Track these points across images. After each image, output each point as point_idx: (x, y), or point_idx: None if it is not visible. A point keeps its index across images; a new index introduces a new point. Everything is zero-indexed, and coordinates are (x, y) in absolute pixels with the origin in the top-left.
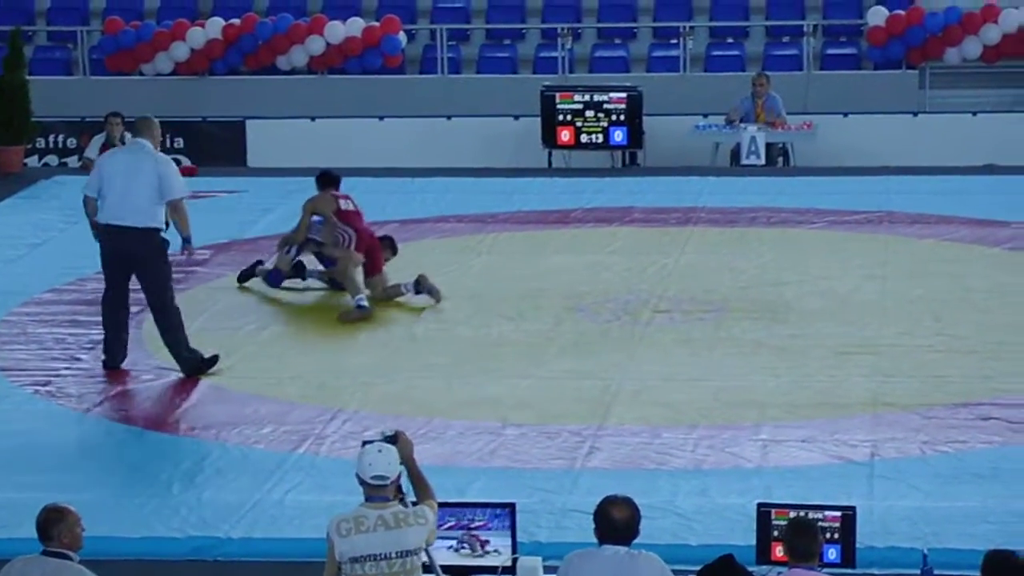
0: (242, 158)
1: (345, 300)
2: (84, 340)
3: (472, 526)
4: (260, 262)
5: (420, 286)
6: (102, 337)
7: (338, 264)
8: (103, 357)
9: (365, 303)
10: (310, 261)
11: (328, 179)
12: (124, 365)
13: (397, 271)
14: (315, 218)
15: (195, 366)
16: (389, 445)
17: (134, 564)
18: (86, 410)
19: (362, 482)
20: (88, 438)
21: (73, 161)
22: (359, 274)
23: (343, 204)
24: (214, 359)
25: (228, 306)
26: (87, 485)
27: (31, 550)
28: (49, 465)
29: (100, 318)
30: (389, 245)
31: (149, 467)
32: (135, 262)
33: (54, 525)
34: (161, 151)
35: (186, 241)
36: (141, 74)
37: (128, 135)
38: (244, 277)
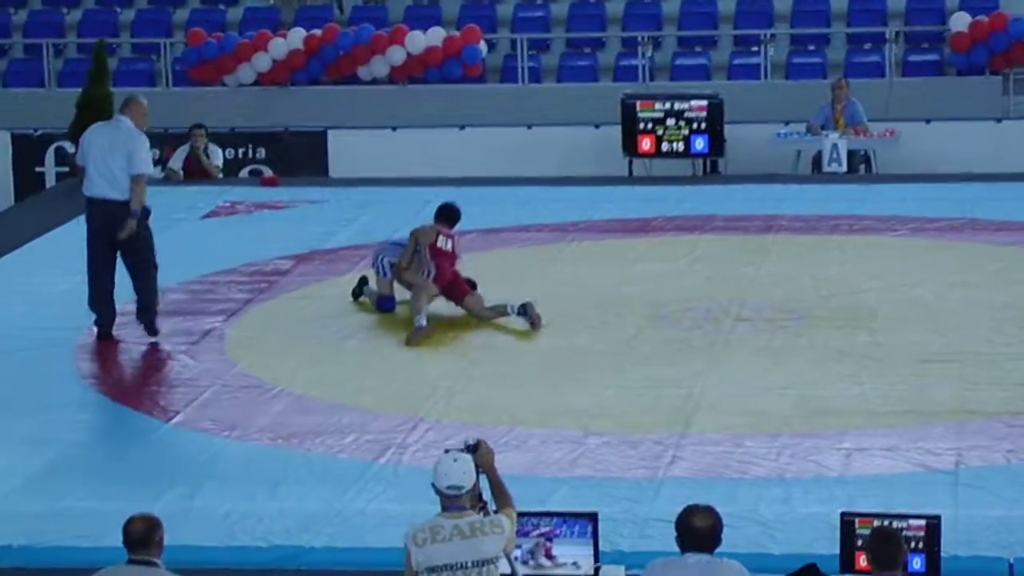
0: (324, 168)
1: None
2: (168, 349)
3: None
4: (365, 280)
5: (525, 310)
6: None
7: (413, 290)
8: (96, 328)
9: (423, 322)
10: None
11: (443, 212)
12: (205, 372)
13: (488, 285)
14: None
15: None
16: (465, 454)
17: (218, 573)
18: (169, 419)
19: (438, 491)
20: (171, 447)
21: (156, 172)
22: (428, 301)
23: (440, 241)
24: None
25: (311, 316)
26: (170, 494)
27: (114, 560)
28: (132, 475)
29: (177, 325)
30: (471, 285)
31: (232, 476)
32: (115, 231)
33: (145, 534)
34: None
35: (134, 214)
36: (224, 85)
37: (209, 144)
38: (356, 294)
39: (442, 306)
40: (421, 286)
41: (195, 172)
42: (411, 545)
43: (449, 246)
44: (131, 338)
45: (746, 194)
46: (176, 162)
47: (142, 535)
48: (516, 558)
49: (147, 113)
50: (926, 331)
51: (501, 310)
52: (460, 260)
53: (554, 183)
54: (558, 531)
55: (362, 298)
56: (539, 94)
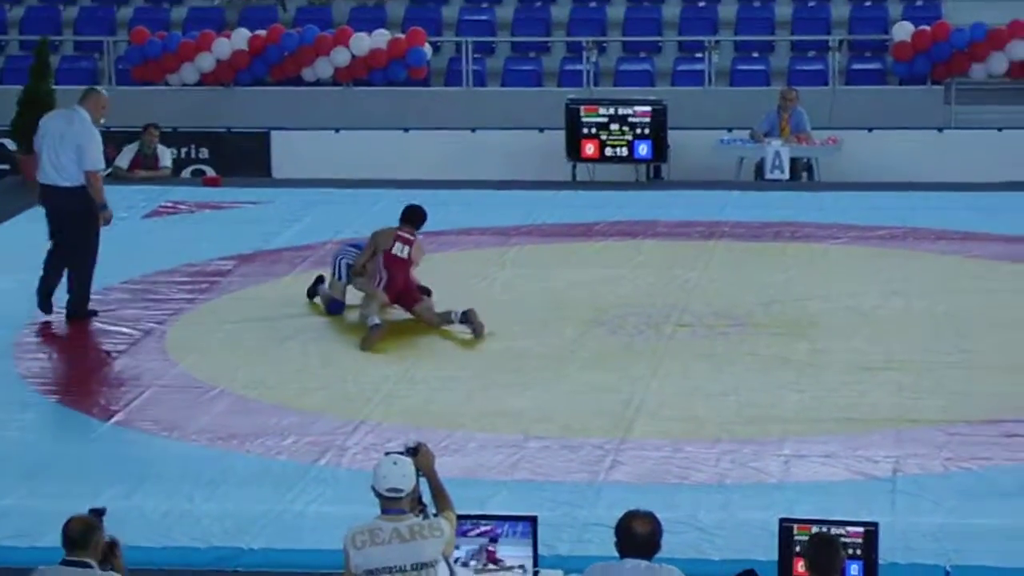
0: (267, 169)
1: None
2: (108, 349)
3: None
4: (321, 279)
5: (467, 318)
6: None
7: (363, 298)
8: (38, 303)
9: (376, 320)
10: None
11: (406, 213)
12: (145, 372)
13: (432, 288)
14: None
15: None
16: (404, 457)
17: (156, 573)
18: (108, 419)
19: (377, 494)
20: (110, 447)
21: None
22: (377, 310)
23: (396, 248)
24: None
25: (252, 317)
26: (109, 494)
27: (51, 559)
28: (70, 474)
29: (110, 323)
30: (426, 292)
31: (171, 476)
32: (62, 217)
33: (83, 535)
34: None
35: (101, 207)
36: (167, 84)
37: (158, 145)
38: (311, 294)
39: (388, 310)
40: (372, 295)
41: (142, 171)
42: (350, 547)
43: (405, 253)
44: (71, 337)
45: (689, 200)
46: (123, 160)
47: (79, 535)
48: (457, 560)
49: (106, 105)
50: (866, 339)
51: (446, 317)
52: (415, 266)
53: (498, 187)
54: (499, 532)
55: (316, 299)
56: (484, 98)
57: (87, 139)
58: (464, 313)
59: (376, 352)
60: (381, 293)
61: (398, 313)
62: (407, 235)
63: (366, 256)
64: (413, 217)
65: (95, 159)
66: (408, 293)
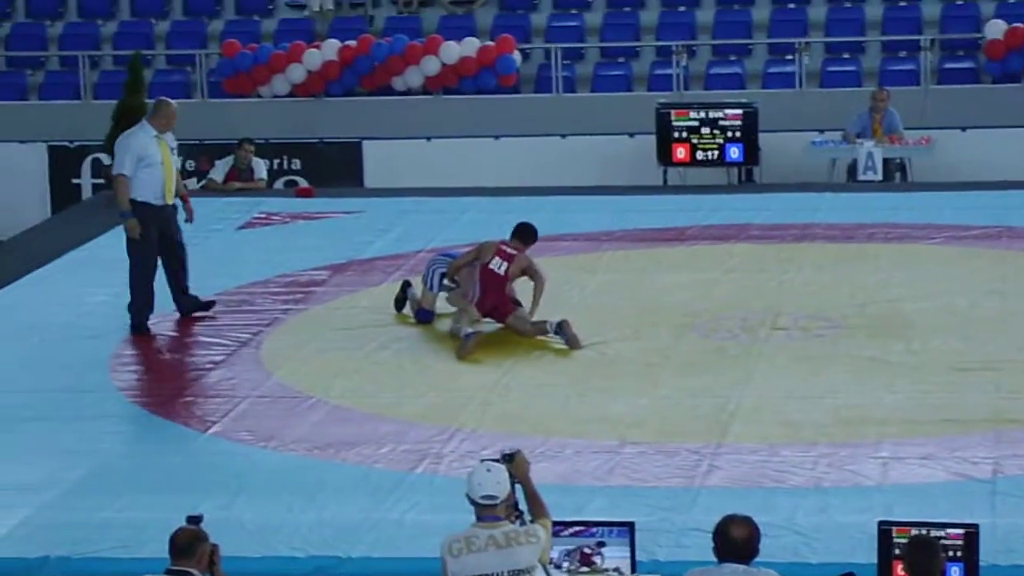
0: (359, 179)
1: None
2: (204, 360)
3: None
4: (408, 283)
5: (561, 329)
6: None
7: (455, 312)
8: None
9: (469, 331)
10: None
11: (518, 230)
12: (241, 383)
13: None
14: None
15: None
16: (498, 464)
17: None
18: (206, 430)
19: (472, 502)
20: (207, 458)
21: (192, 183)
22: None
23: (494, 263)
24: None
25: (347, 326)
26: (207, 505)
27: (153, 570)
28: (169, 485)
29: (212, 336)
30: (515, 303)
31: (268, 486)
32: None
33: (188, 544)
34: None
35: (120, 215)
36: (258, 96)
37: (253, 158)
38: (399, 305)
39: (480, 323)
40: (464, 309)
41: (237, 183)
42: (446, 555)
43: (502, 269)
44: (167, 350)
45: (781, 203)
46: (217, 173)
47: (185, 545)
48: (552, 561)
49: (174, 114)
50: (962, 339)
51: (541, 328)
52: (511, 281)
53: (589, 192)
54: (597, 537)
55: (404, 310)
56: (574, 104)
57: (117, 146)
58: (559, 324)
59: (471, 361)
60: (472, 309)
61: (491, 323)
62: (510, 250)
63: (464, 261)
64: (523, 234)
65: (118, 164)
66: (501, 307)
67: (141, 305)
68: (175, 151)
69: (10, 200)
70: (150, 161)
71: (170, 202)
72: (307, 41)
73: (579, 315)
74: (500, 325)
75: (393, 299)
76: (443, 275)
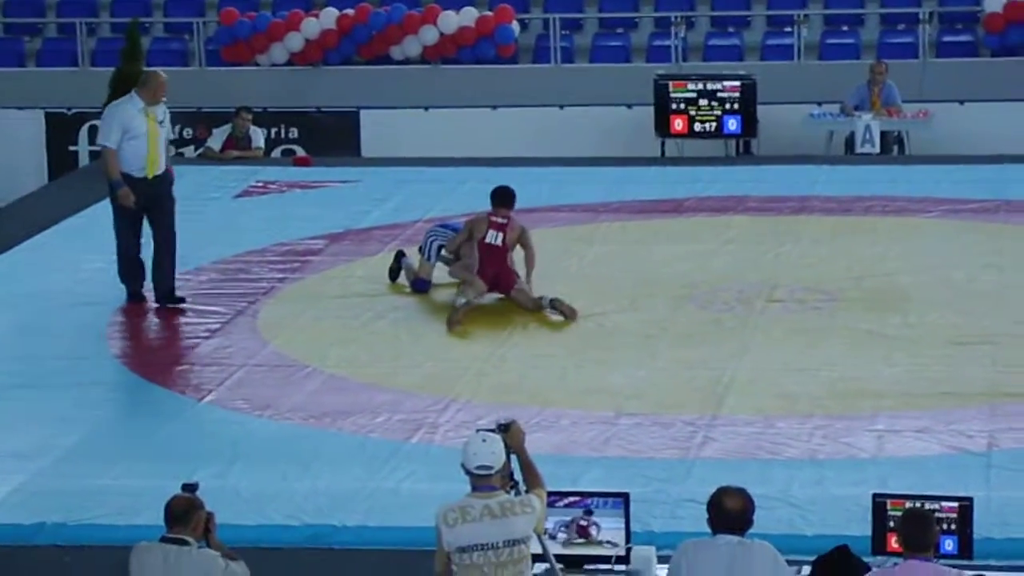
0: (356, 148)
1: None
2: (200, 328)
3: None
4: (401, 254)
5: (554, 305)
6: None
7: (461, 285)
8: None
9: (462, 300)
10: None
11: (496, 196)
12: (237, 352)
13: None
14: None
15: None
16: (494, 435)
17: (250, 551)
18: (201, 398)
19: (468, 472)
20: (203, 426)
21: (189, 151)
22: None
23: (489, 236)
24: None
25: (343, 295)
26: (203, 473)
27: (148, 537)
28: (164, 453)
29: (209, 304)
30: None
31: (264, 455)
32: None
33: (184, 512)
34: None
35: (110, 185)
36: (256, 64)
37: (251, 127)
38: (393, 275)
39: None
40: (470, 281)
41: (234, 151)
42: (442, 525)
43: (499, 240)
44: (163, 318)
45: (779, 175)
46: (215, 141)
47: (181, 513)
48: (546, 532)
49: (162, 86)
50: (959, 313)
51: (539, 303)
52: (512, 249)
53: (587, 163)
54: (591, 507)
55: (399, 280)
56: (572, 74)
57: (103, 117)
58: (552, 300)
59: (467, 331)
60: (478, 280)
61: (491, 295)
62: (500, 220)
63: (459, 240)
64: (504, 199)
65: (103, 135)
66: (504, 278)
67: (128, 275)
68: (164, 123)
69: (7, 167)
70: (135, 133)
71: (151, 175)
72: (305, 9)
73: (576, 286)
74: (500, 296)
75: (387, 269)
76: (440, 246)
